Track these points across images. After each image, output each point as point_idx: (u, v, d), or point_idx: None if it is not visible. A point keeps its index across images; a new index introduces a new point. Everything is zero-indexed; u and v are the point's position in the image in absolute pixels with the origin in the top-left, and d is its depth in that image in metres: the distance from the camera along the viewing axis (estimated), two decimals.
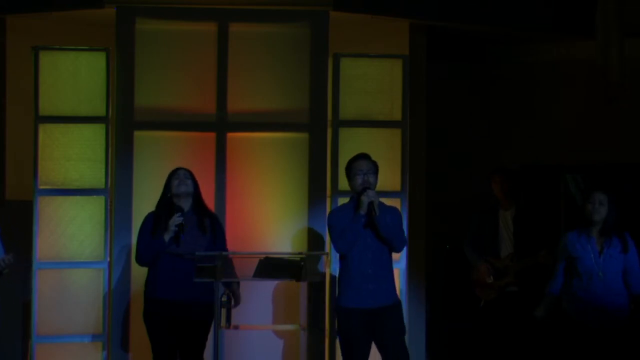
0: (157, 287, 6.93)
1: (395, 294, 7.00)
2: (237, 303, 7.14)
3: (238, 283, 7.09)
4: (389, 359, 6.84)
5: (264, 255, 7.04)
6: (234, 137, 7.84)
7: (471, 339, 8.87)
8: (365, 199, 6.77)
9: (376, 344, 6.87)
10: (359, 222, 6.81)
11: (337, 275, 7.68)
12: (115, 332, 7.70)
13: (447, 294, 9.17)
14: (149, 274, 7.04)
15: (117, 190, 7.72)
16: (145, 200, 7.67)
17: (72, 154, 7.78)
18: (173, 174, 7.05)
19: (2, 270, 6.54)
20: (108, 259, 7.74)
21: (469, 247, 8.10)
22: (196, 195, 7.06)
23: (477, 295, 8.13)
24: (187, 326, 6.90)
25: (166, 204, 7.02)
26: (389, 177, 7.90)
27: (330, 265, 7.82)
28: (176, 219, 6.85)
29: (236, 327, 7.19)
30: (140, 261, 7.06)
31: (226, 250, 7.11)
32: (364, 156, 7.00)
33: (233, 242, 7.70)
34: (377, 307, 6.83)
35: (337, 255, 7.83)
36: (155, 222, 6.99)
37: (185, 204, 7.01)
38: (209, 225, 7.04)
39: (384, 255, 6.91)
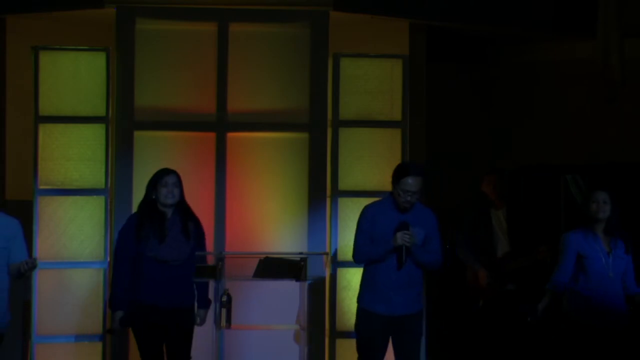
0: (142, 292, 6.73)
1: (420, 303, 6.81)
2: (201, 322, 7.01)
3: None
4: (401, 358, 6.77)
5: (264, 255, 7.04)
6: (234, 137, 7.83)
7: (470, 339, 8.87)
8: (399, 241, 6.53)
9: (393, 345, 6.81)
10: (387, 254, 6.57)
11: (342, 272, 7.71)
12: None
13: (446, 294, 9.17)
14: (132, 279, 6.81)
15: (117, 190, 7.72)
16: None
17: (72, 154, 7.78)
18: (160, 180, 6.78)
19: (25, 272, 6.49)
20: (108, 259, 7.74)
21: (464, 248, 8.07)
22: (181, 198, 6.83)
23: (473, 296, 8.13)
24: (173, 331, 6.77)
25: (150, 207, 6.81)
26: (389, 177, 7.88)
27: (330, 265, 7.82)
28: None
29: (236, 327, 7.19)
30: (115, 265, 6.86)
31: (205, 249, 7.05)
32: (418, 173, 6.63)
33: (233, 242, 7.71)
34: (400, 315, 6.68)
35: (338, 254, 7.86)
36: (138, 225, 6.77)
37: (169, 209, 6.82)
38: (193, 230, 6.85)
39: (410, 264, 6.68)
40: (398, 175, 6.62)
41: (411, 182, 6.54)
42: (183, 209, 6.84)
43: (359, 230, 6.69)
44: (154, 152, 7.78)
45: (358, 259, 6.71)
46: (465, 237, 8.06)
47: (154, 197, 6.80)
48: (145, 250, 6.72)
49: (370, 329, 6.71)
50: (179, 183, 6.78)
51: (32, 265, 6.36)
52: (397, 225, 6.54)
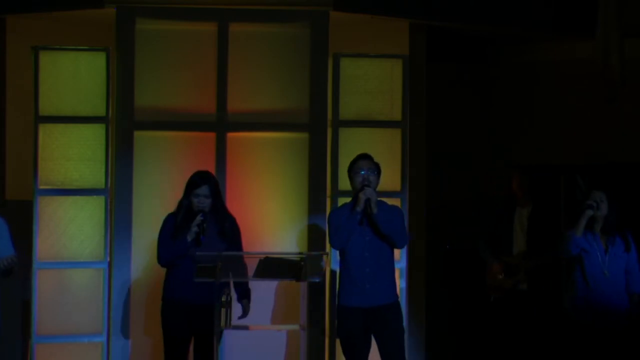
0: (175, 287, 6.97)
1: (395, 294, 7.04)
2: (244, 314, 7.16)
3: (249, 297, 7.14)
4: (384, 358, 6.88)
5: (264, 255, 7.03)
6: (234, 137, 7.83)
7: (471, 338, 8.87)
8: (362, 196, 6.85)
9: (376, 341, 6.92)
10: (354, 219, 6.87)
11: (337, 274, 7.72)
12: (115, 332, 7.70)
13: (447, 293, 9.17)
14: (167, 275, 7.05)
15: (117, 190, 7.72)
16: (145, 200, 7.68)
17: (72, 154, 7.78)
18: (193, 190, 6.97)
19: (5, 268, 6.53)
20: (108, 259, 7.74)
21: (484, 244, 8.12)
22: (216, 201, 7.04)
23: (487, 292, 8.14)
24: (203, 327, 6.90)
25: (187, 207, 7.01)
26: (389, 177, 7.89)
27: (330, 265, 7.82)
28: (198, 219, 6.88)
29: (236, 327, 7.18)
30: (162, 262, 7.06)
31: (241, 249, 7.14)
32: (365, 156, 7.08)
33: None
34: (376, 306, 6.89)
35: (338, 254, 7.86)
36: (175, 224, 6.99)
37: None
38: (229, 230, 7.07)
39: (384, 254, 6.96)
40: (350, 165, 7.08)
41: (361, 162, 7.02)
42: (220, 210, 7.05)
43: (329, 224, 7.04)
44: (154, 152, 7.78)
45: (335, 242, 6.99)
46: (488, 233, 8.12)
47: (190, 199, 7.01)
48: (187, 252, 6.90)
49: (350, 325, 6.93)
50: (210, 193, 6.99)
51: (8, 263, 6.40)
52: (359, 188, 6.90)
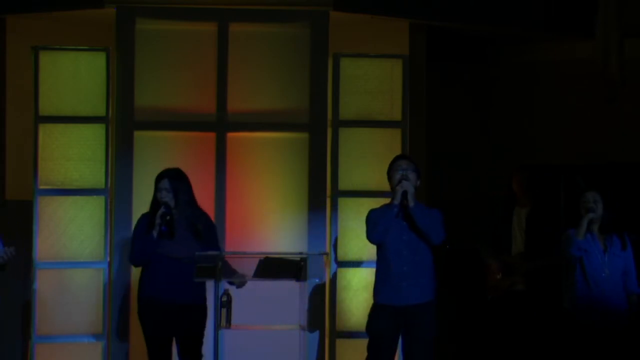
0: (150, 286, 6.93)
1: (431, 292, 6.98)
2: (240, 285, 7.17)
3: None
4: (409, 357, 6.89)
5: (264, 255, 7.03)
6: (234, 137, 7.84)
7: (471, 338, 8.87)
8: (399, 189, 6.85)
9: (402, 339, 6.92)
10: (391, 212, 6.86)
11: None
12: (115, 332, 7.70)
13: (447, 293, 9.16)
14: (142, 274, 7.03)
15: (117, 190, 7.72)
16: (145, 200, 7.66)
17: (72, 154, 7.78)
18: (156, 185, 7.00)
19: (4, 262, 6.50)
20: (108, 259, 7.74)
21: (484, 244, 8.11)
22: (186, 198, 7.01)
23: (486, 292, 8.14)
24: (182, 326, 6.90)
25: (155, 203, 7.01)
26: None
27: (330, 265, 7.82)
28: (160, 211, 6.88)
29: (236, 327, 7.19)
30: (133, 261, 7.08)
31: (218, 247, 7.12)
32: (404, 156, 7.18)
33: (233, 242, 7.71)
34: (410, 305, 6.87)
35: (338, 254, 7.87)
36: (148, 222, 6.97)
37: (175, 208, 6.98)
38: (203, 228, 7.02)
39: (421, 252, 6.93)
40: (390, 165, 7.04)
41: (400, 161, 7.02)
42: (190, 208, 7.00)
43: (368, 220, 6.99)
44: (154, 152, 7.79)
45: (372, 236, 6.95)
46: (488, 233, 8.11)
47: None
48: (156, 248, 6.87)
49: (380, 326, 6.89)
50: (170, 187, 6.94)
51: (12, 255, 6.39)
52: (396, 183, 6.91)
